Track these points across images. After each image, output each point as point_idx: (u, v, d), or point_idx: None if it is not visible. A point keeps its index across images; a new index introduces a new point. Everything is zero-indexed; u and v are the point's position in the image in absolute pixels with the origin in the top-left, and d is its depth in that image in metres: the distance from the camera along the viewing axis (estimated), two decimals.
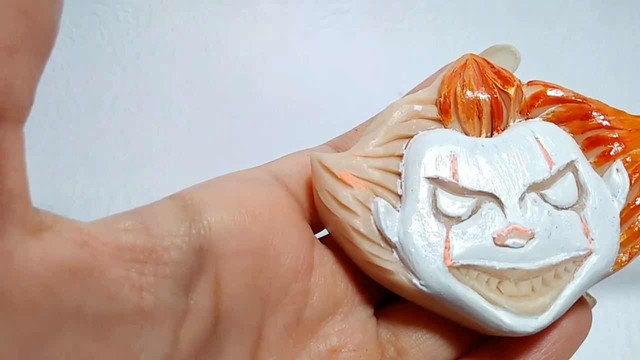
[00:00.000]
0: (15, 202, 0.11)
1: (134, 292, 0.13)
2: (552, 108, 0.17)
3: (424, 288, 0.16)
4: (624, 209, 0.17)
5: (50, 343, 0.11)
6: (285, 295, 0.16)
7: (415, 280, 0.16)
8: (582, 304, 0.17)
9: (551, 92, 0.17)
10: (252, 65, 0.34)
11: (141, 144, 0.32)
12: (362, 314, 0.18)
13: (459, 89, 0.17)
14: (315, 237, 0.18)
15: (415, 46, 0.35)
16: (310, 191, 0.17)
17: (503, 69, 0.17)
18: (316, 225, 0.18)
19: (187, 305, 0.14)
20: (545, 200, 0.16)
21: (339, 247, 0.18)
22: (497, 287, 0.16)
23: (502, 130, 0.17)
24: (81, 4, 0.35)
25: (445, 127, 0.17)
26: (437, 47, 0.35)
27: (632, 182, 0.17)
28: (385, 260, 0.16)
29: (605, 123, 0.17)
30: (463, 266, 0.15)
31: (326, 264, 0.17)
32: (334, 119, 0.33)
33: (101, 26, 0.35)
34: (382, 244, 0.16)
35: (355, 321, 0.17)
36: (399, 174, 0.17)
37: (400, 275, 0.16)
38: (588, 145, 0.17)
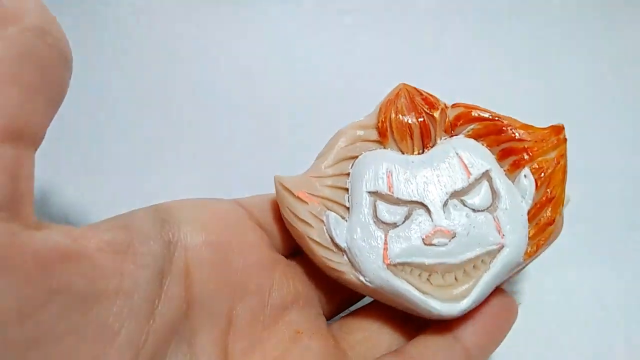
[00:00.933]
0: (24, 203, 0.14)
1: (115, 276, 0.15)
2: (472, 126, 0.20)
3: (368, 283, 0.19)
4: (531, 208, 0.20)
5: (42, 310, 0.13)
6: (251, 285, 0.19)
7: (361, 278, 0.19)
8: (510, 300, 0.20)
9: (470, 113, 0.20)
10: (252, 65, 0.34)
11: (141, 144, 0.32)
12: (314, 309, 0.21)
13: (393, 115, 0.20)
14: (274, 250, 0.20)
15: (416, 47, 0.35)
16: (273, 219, 0.21)
17: (430, 94, 0.21)
18: (279, 248, 0.21)
19: (161, 290, 0.16)
20: (464, 205, 0.19)
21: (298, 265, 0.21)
22: (427, 279, 0.19)
23: (431, 147, 0.20)
24: (81, 4, 0.35)
25: (384, 147, 0.20)
26: (437, 47, 0.35)
27: (538, 185, 0.20)
28: (338, 263, 0.19)
29: (515, 136, 0.20)
30: (399, 264, 0.19)
31: (287, 265, 0.20)
32: (334, 118, 0.33)
33: (102, 26, 0.35)
34: (334, 249, 0.19)
35: (309, 313, 0.20)
36: (347, 190, 0.20)
37: (350, 275, 0.19)
38: (502, 156, 0.20)
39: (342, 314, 0.22)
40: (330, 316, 0.22)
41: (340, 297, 0.22)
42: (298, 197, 0.20)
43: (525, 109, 0.33)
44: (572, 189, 0.31)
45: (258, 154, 0.31)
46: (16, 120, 0.13)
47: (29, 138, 0.14)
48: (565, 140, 0.20)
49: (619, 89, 0.33)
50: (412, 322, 0.21)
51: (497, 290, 0.20)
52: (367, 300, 0.23)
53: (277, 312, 0.19)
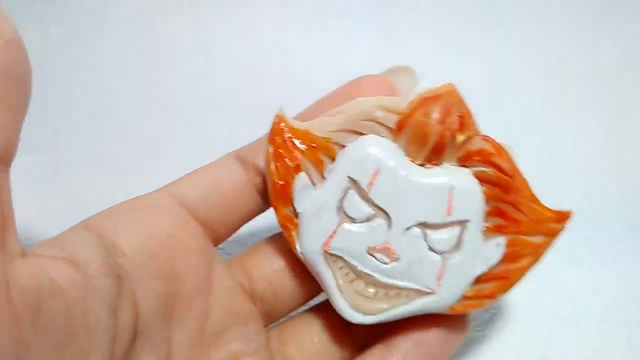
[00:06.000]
0: (10, 229, 0.14)
1: (81, 313, 0.15)
2: (485, 168, 0.19)
3: (300, 254, 0.20)
4: (483, 274, 0.19)
5: (29, 351, 0.13)
6: (188, 311, 0.19)
7: (298, 246, 0.20)
8: (462, 320, 0.21)
9: (492, 155, 0.19)
10: (252, 65, 0.34)
11: (141, 144, 0.32)
12: (256, 324, 0.21)
13: (419, 114, 0.19)
14: (216, 254, 0.20)
15: (416, 47, 0.35)
16: (214, 207, 0.20)
17: (469, 114, 0.19)
18: (221, 237, 0.21)
19: (117, 324, 0.16)
20: (425, 239, 0.19)
21: (237, 264, 0.21)
22: (351, 281, 0.20)
23: (435, 165, 0.19)
24: (81, 4, 0.35)
25: (393, 139, 0.19)
26: (437, 48, 0.35)
27: (503, 259, 0.19)
28: (291, 218, 0.20)
29: (516, 203, 0.19)
30: (335, 255, 0.19)
31: (225, 280, 0.20)
32: None
33: (102, 26, 0.35)
34: (292, 208, 0.20)
35: (250, 331, 0.20)
36: (333, 159, 0.19)
37: (294, 234, 0.20)
38: (492, 213, 0.19)
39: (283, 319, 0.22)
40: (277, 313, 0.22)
41: (284, 300, 0.22)
42: (290, 141, 0.19)
43: (526, 109, 0.33)
44: (573, 188, 0.31)
45: None
46: (1, 142, 0.14)
47: (8, 158, 0.14)
48: (561, 230, 0.19)
49: (619, 89, 0.33)
50: (352, 336, 0.21)
51: (446, 316, 0.20)
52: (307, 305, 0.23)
53: (214, 335, 0.20)
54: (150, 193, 0.20)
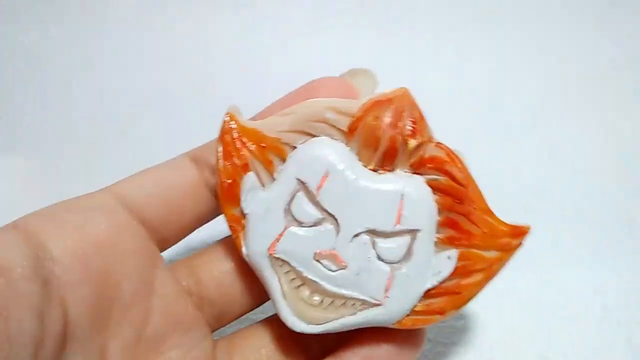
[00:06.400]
0: None
1: (2, 319, 0.14)
2: (438, 177, 0.18)
3: (246, 257, 0.19)
4: (433, 288, 0.19)
5: None
6: (125, 318, 0.18)
7: (244, 248, 0.19)
8: (416, 336, 0.20)
9: (445, 164, 0.18)
10: (252, 65, 0.34)
11: (142, 144, 0.32)
12: (200, 331, 0.20)
13: (370, 118, 0.18)
14: (161, 258, 0.20)
15: (416, 47, 0.35)
16: (161, 208, 0.20)
17: (422, 119, 0.18)
18: (169, 240, 0.20)
19: (42, 330, 0.15)
20: (373, 247, 0.18)
21: (185, 267, 0.20)
22: (296, 287, 0.19)
23: (388, 171, 0.19)
24: (81, 4, 0.35)
25: (346, 143, 0.19)
26: (437, 48, 0.35)
27: (455, 273, 0.18)
28: (239, 219, 0.19)
29: (470, 214, 0.18)
30: (281, 259, 0.19)
31: (168, 285, 0.19)
32: None
33: (102, 26, 0.35)
34: (239, 209, 0.19)
35: (193, 338, 0.19)
36: (284, 161, 0.19)
37: (241, 238, 0.19)
38: (445, 223, 0.19)
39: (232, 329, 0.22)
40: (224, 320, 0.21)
41: (233, 305, 0.21)
42: (240, 141, 0.19)
43: (526, 109, 0.33)
44: (573, 188, 0.31)
45: None
46: None
47: None
48: (517, 247, 0.18)
49: (619, 88, 0.33)
50: (302, 350, 0.21)
51: (399, 331, 0.19)
52: (259, 316, 0.22)
53: (153, 343, 0.18)
54: (91, 193, 0.19)
